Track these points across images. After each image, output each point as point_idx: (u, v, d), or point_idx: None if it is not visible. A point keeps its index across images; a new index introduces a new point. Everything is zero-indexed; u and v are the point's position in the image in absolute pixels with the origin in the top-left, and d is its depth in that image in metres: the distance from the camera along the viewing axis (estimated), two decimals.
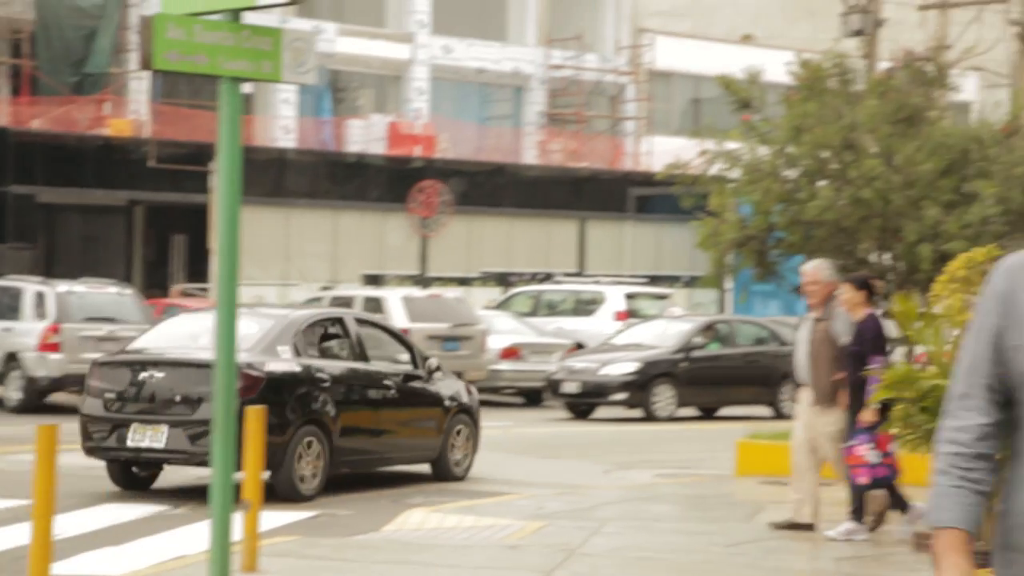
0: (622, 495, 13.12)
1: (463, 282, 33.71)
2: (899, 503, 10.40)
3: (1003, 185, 18.49)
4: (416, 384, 13.51)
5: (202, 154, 28.11)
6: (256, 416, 8.90)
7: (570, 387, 22.37)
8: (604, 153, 38.39)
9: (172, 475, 13.37)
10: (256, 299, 28.79)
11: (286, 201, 31.72)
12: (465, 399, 14.07)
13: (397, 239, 33.41)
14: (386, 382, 13.11)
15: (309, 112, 34.93)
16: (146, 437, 11.88)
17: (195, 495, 12.14)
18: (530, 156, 37.45)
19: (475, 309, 25.70)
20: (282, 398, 11.92)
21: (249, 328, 11.81)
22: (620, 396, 21.66)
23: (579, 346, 25.12)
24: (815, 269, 10.68)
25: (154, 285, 30.39)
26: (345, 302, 27.08)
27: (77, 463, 12.96)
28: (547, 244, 35.79)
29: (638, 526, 11.16)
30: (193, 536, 10.27)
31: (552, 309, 28.38)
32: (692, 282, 35.13)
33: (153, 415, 11.94)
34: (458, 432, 13.92)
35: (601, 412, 22.52)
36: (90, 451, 12.47)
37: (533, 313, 27.69)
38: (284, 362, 12.18)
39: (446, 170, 34.11)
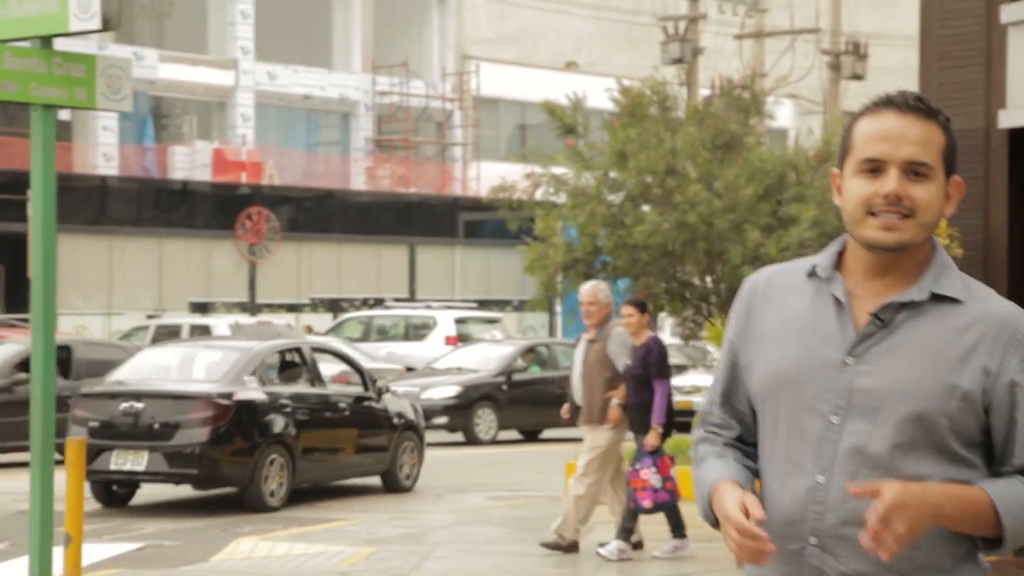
0: (454, 518, 13.17)
1: (293, 308, 33.48)
2: (678, 527, 10.46)
3: (819, 209, 19.08)
4: (367, 404, 14.66)
5: (19, 182, 27.42)
6: (76, 448, 8.74)
7: None
8: (432, 179, 38.52)
9: None
10: (79, 328, 28.21)
11: (109, 229, 31.15)
12: (411, 417, 15.16)
13: (225, 266, 33.05)
14: (340, 404, 14.36)
15: (131, 139, 34.39)
16: (127, 461, 13.08)
17: (15, 529, 11.84)
18: (359, 182, 37.40)
19: (305, 335, 25.53)
20: (250, 423, 13.24)
21: (217, 360, 13.68)
22: (442, 420, 21.43)
23: (410, 371, 25.14)
24: (594, 290, 10.63)
25: None
26: (173, 330, 26.72)
27: None
28: (377, 269, 35.76)
29: (469, 549, 11.21)
30: (13, 572, 10.02)
31: (383, 334, 28.35)
32: (522, 306, 35.43)
33: (134, 441, 13.16)
34: (405, 447, 15.06)
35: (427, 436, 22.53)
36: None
37: (364, 339, 27.64)
38: (251, 390, 13.40)
39: (274, 196, 33.88)
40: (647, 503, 10.18)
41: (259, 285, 33.39)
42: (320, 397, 14.18)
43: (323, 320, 32.53)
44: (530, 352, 23.14)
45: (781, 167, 19.49)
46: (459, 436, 21.73)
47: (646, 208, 19.72)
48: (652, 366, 10.19)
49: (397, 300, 33.61)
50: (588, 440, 10.58)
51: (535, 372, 22.77)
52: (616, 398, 10.40)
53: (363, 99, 38.45)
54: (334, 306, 34.05)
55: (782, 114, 36.61)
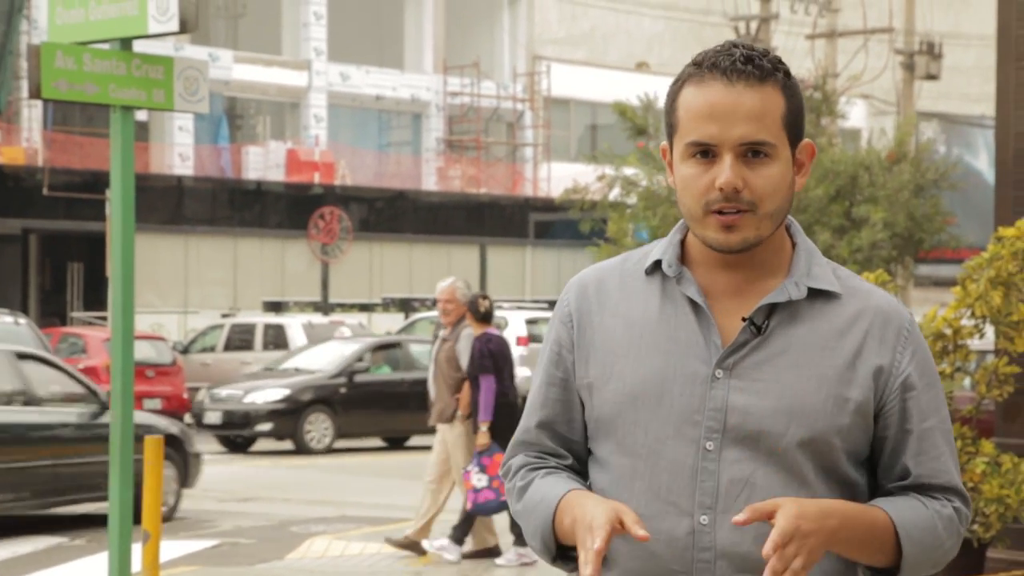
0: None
1: (365, 308, 33.66)
2: (521, 533, 10.34)
3: (889, 210, 18.93)
4: (89, 423, 12.32)
5: (97, 182, 27.82)
6: (154, 446, 8.86)
7: (213, 417, 19.92)
8: (503, 179, 38.58)
9: (70, 505, 13.20)
10: (155, 327, 28.52)
11: (185, 228, 31.49)
12: (171, 433, 12.64)
13: (298, 266, 33.29)
14: (52, 423, 12.17)
15: (206, 139, 34.73)
16: None
17: (93, 526, 12.02)
18: (430, 182, 37.53)
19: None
20: None
21: None
22: (266, 427, 19.39)
23: None
24: (451, 288, 10.47)
25: (51, 314, 29.99)
26: (247, 329, 26.95)
27: None
28: (448, 270, 35.85)
29: None
30: (91, 568, 10.18)
31: None
32: None
33: None
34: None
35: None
36: None
37: (435, 339, 27.72)
38: None
39: (346, 196, 34.09)
40: (469, 504, 9.99)
41: (332, 285, 33.60)
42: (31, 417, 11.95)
43: (395, 320, 32.68)
44: (379, 351, 21.01)
45: (853, 168, 19.35)
46: (288, 444, 19.91)
47: None
48: (475, 361, 9.97)
49: None
50: (438, 439, 10.45)
51: (383, 373, 20.66)
52: (461, 398, 10.24)
53: (434, 100, 38.59)
54: (405, 306, 34.19)
55: (855, 114, 36.29)
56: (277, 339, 25.91)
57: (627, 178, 21.01)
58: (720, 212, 2.24)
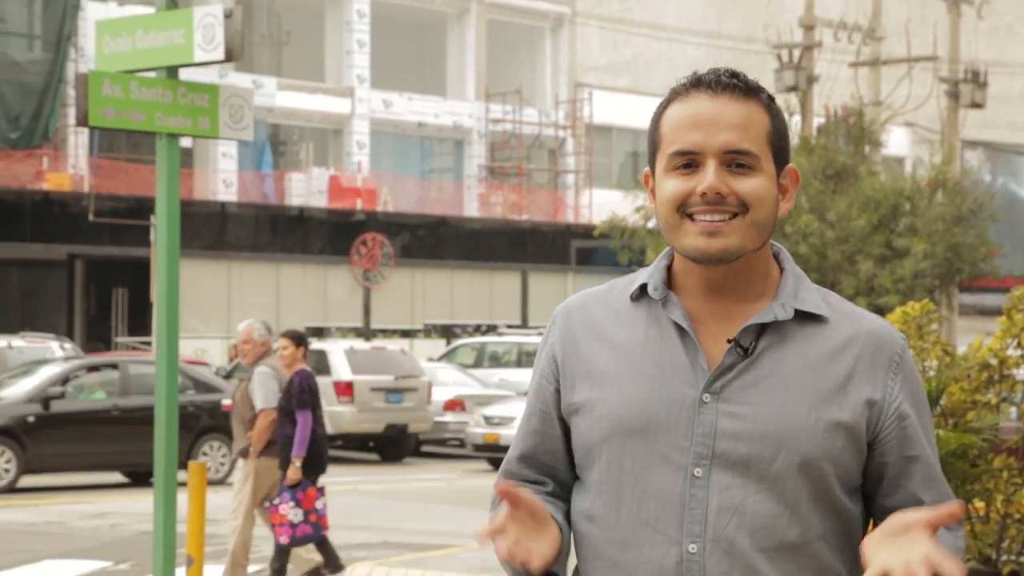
0: None
1: (407, 334, 33.73)
2: (331, 561, 10.19)
3: (928, 240, 18.84)
4: None
5: (142, 208, 28.04)
6: (197, 471, 8.91)
7: None
8: (545, 206, 38.62)
9: (114, 530, 13.27)
10: (199, 352, 28.68)
11: (228, 254, 31.68)
12: None
13: (340, 291, 33.42)
14: None
15: (250, 165, 34.96)
16: None
17: (137, 550, 12.08)
18: (472, 209, 37.63)
19: (419, 361, 25.74)
20: None
21: None
22: None
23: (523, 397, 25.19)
24: (248, 330, 10.51)
25: (95, 339, 30.21)
26: None
27: (18, 519, 12.86)
28: (490, 296, 35.91)
29: None
30: None
31: (496, 361, 28.45)
32: None
33: None
34: None
35: None
36: None
37: (477, 365, 27.76)
38: None
39: (388, 223, 34.21)
40: (284, 539, 9.89)
41: (373, 310, 33.70)
42: None
43: (436, 346, 32.74)
44: (93, 372, 18.47)
45: (894, 197, 19.29)
46: None
47: None
48: (293, 396, 9.93)
49: (510, 327, 33.71)
50: (239, 475, 10.43)
51: (96, 399, 18.16)
52: (253, 434, 10.20)
53: (476, 126, 38.72)
54: (447, 332, 34.25)
55: (899, 142, 36.15)
56: (319, 365, 26.01)
57: None
58: (698, 216, 2.20)
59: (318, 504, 9.94)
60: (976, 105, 33.26)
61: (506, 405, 21.52)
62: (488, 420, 21.17)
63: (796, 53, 31.18)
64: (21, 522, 13.35)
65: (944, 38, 34.58)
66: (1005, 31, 45.90)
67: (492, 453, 20.87)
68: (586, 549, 2.29)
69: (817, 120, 26.88)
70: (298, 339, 10.27)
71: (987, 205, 21.84)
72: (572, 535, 2.32)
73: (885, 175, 21.67)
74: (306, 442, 9.91)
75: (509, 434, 20.04)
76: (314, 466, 9.98)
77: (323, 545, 10.19)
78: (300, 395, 9.93)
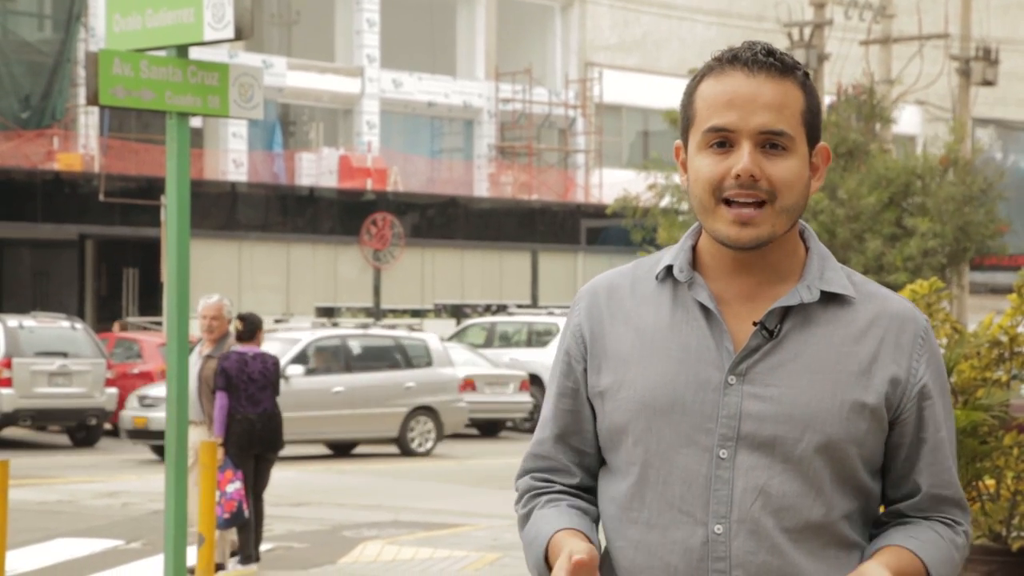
0: None
1: (416, 314, 33.75)
2: (242, 549, 10.07)
3: (938, 219, 18.80)
4: None
5: (153, 188, 28.07)
6: (209, 450, 8.93)
7: None
8: (555, 185, 38.60)
9: (126, 509, 13.32)
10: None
11: (238, 234, 31.70)
12: None
13: (350, 271, 33.44)
14: None
15: (260, 145, 34.96)
16: None
17: (148, 529, 12.13)
18: (482, 189, 37.61)
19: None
20: None
21: None
22: None
23: (533, 377, 25.20)
24: (219, 305, 10.44)
25: (106, 319, 30.26)
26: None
27: (30, 498, 12.91)
28: (500, 276, 35.91)
29: None
30: (147, 571, 10.26)
31: (506, 340, 28.46)
32: None
33: None
34: None
35: None
36: None
37: (487, 345, 27.78)
38: None
39: (398, 203, 34.21)
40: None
41: (383, 290, 33.73)
42: None
43: (446, 325, 32.77)
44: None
45: (906, 175, 19.24)
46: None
47: None
48: (217, 378, 9.97)
49: (520, 306, 33.73)
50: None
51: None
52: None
53: (486, 106, 38.67)
54: (457, 312, 34.26)
55: (911, 121, 36.05)
56: None
57: (678, 186, 20.99)
58: (733, 202, 2.19)
59: (229, 488, 9.81)
60: (987, 83, 33.14)
61: (160, 387, 19.15)
62: (142, 401, 19.28)
63: (807, 31, 31.08)
64: (33, 501, 13.42)
65: (955, 16, 34.45)
66: (1017, 8, 45.71)
67: (147, 440, 18.95)
68: (611, 530, 2.30)
69: (828, 98, 26.82)
70: (251, 321, 10.34)
71: (997, 184, 21.78)
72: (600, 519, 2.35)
73: (896, 153, 21.63)
74: (222, 422, 9.97)
75: (158, 416, 17.37)
76: (232, 448, 9.93)
77: (243, 531, 10.08)
78: (219, 376, 10.04)
